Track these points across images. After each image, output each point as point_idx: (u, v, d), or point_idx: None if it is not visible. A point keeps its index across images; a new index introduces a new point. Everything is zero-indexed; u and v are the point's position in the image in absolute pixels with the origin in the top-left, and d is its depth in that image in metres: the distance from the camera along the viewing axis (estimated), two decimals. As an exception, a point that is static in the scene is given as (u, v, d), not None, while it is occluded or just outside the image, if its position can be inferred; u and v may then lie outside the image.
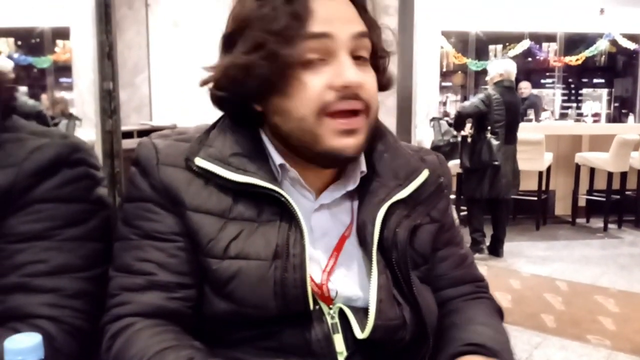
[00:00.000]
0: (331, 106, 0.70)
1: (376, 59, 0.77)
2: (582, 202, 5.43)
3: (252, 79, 0.71)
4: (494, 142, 4.04)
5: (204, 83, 0.77)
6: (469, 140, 4.23)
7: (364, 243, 0.77)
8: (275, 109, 0.73)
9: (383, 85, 0.79)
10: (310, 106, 0.70)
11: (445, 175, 0.88)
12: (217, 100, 0.78)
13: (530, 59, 7.20)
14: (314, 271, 0.75)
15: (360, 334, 0.73)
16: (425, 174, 0.82)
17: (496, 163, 4.05)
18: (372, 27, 0.75)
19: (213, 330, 0.75)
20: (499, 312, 0.90)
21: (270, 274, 0.71)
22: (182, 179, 0.75)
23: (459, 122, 4.36)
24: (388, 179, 0.80)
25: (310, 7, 0.70)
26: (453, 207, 0.93)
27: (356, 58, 0.72)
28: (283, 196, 0.73)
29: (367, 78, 0.73)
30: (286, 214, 0.73)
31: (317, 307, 0.74)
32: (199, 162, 0.74)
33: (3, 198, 0.74)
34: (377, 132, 0.82)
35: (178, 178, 0.75)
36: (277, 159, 0.76)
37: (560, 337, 2.85)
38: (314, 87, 0.70)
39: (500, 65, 4.25)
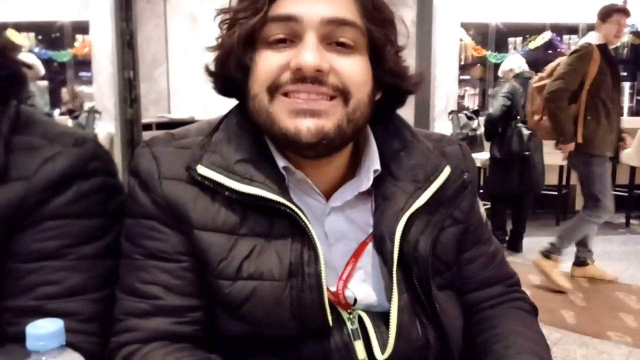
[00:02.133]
0: (284, 87, 0.67)
1: (374, 54, 0.71)
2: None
3: (230, 60, 0.69)
4: (525, 132, 3.93)
5: (207, 70, 0.74)
6: (500, 130, 4.10)
7: (382, 255, 0.73)
8: (247, 93, 0.71)
9: (387, 82, 0.73)
10: (262, 83, 0.68)
11: (470, 170, 0.82)
12: (215, 85, 0.75)
13: (551, 51, 7.07)
14: (330, 278, 0.71)
15: (380, 356, 0.70)
16: (446, 172, 0.77)
17: (527, 153, 3.96)
18: (371, 18, 0.70)
19: (228, 347, 0.73)
20: (532, 312, 0.86)
21: (286, 294, 0.68)
22: (187, 195, 0.70)
23: (491, 129, 4.12)
24: (405, 182, 0.75)
25: None
26: (480, 203, 0.89)
27: (338, 44, 0.68)
28: (293, 210, 0.69)
29: (344, 65, 0.67)
30: (298, 228, 0.70)
31: (335, 314, 0.72)
32: (202, 170, 0.69)
33: (13, 214, 0.69)
34: (391, 128, 0.78)
35: (184, 194, 0.70)
36: (280, 161, 0.72)
37: (580, 334, 2.80)
38: (270, 65, 0.67)
39: (514, 62, 4.23)
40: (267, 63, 0.67)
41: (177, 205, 0.70)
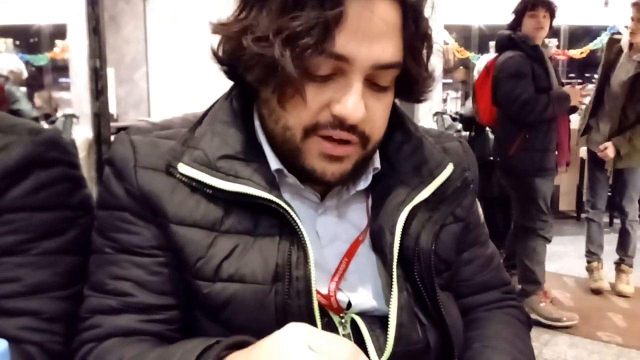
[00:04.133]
0: (322, 129, 0.62)
1: (410, 83, 0.67)
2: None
3: (256, 65, 0.60)
4: (491, 136, 3.92)
5: (215, 32, 0.65)
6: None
7: (380, 252, 0.69)
8: (266, 102, 0.65)
9: (411, 100, 0.71)
10: (300, 121, 0.62)
11: (471, 168, 0.79)
12: (217, 57, 0.67)
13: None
14: (321, 280, 0.66)
15: None
16: (449, 169, 0.73)
17: (490, 158, 3.94)
18: (413, 48, 0.64)
19: None
20: (526, 322, 0.82)
21: (270, 299, 0.63)
22: (163, 186, 0.65)
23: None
24: (408, 175, 0.71)
25: (344, 14, 0.58)
26: (478, 204, 0.86)
27: (374, 84, 0.63)
28: (282, 207, 0.63)
29: (376, 109, 0.64)
30: (287, 226, 0.64)
31: (326, 319, 0.66)
32: (183, 168, 0.64)
33: None
34: (394, 119, 0.73)
35: (159, 185, 0.65)
36: (274, 163, 0.67)
37: (570, 335, 2.78)
38: (312, 105, 0.61)
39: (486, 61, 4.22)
40: (310, 104, 0.61)
41: (151, 197, 0.65)
